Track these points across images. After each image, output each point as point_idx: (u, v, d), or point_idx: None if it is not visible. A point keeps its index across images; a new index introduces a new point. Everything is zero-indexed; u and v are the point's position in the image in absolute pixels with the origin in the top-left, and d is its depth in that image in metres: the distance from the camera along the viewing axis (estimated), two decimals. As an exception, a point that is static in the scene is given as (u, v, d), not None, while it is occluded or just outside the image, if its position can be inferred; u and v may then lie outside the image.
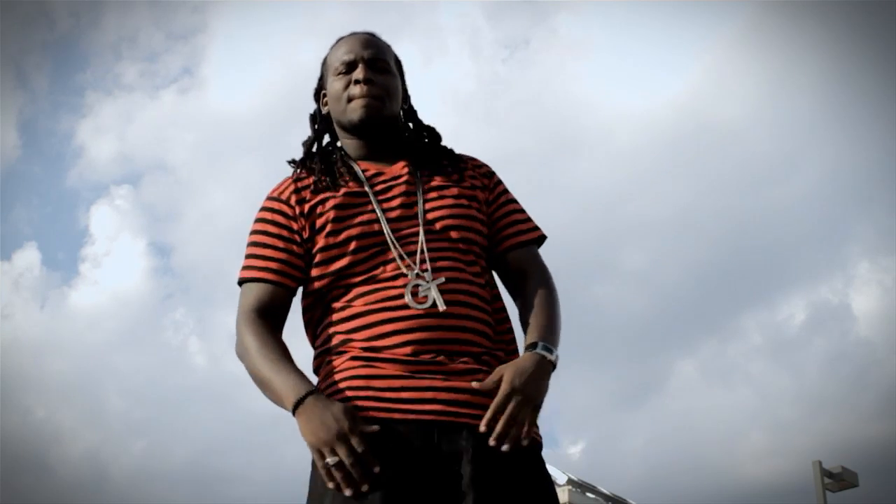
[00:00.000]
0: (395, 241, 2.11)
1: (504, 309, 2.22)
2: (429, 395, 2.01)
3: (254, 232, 2.22)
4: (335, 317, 2.12)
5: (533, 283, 2.20)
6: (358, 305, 2.09)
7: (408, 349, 2.04)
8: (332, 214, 2.15)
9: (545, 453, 2.12)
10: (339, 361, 2.08)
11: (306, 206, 2.18)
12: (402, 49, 2.34)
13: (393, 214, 2.15)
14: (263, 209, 2.23)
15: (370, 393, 2.02)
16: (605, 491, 22.17)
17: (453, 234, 2.16)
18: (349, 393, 2.03)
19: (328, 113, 2.31)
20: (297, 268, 2.17)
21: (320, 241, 2.14)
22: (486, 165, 2.34)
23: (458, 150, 2.34)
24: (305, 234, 2.17)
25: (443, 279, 2.08)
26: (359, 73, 2.23)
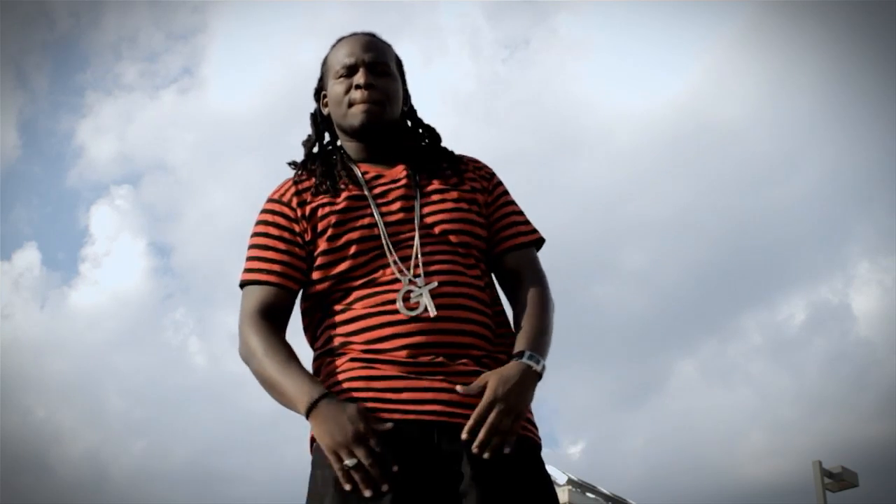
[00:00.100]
0: (390, 246, 2.11)
1: (506, 311, 2.22)
2: (429, 395, 2.01)
3: (255, 234, 2.22)
4: (335, 319, 2.12)
5: (527, 287, 2.19)
6: (357, 309, 2.10)
7: (406, 352, 2.04)
8: (332, 219, 2.15)
9: (545, 453, 2.12)
10: (339, 363, 2.08)
11: (307, 209, 2.18)
12: (402, 49, 2.35)
13: (392, 218, 2.15)
14: (264, 211, 2.23)
15: (371, 394, 2.03)
16: (605, 491, 22.19)
17: (452, 238, 2.16)
18: (351, 394, 2.03)
19: (329, 114, 2.31)
20: (300, 270, 2.17)
21: (321, 245, 2.14)
22: (487, 167, 2.33)
23: (458, 151, 2.33)
24: (308, 237, 2.17)
25: (435, 284, 2.08)
26: (360, 78, 2.22)
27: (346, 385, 2.04)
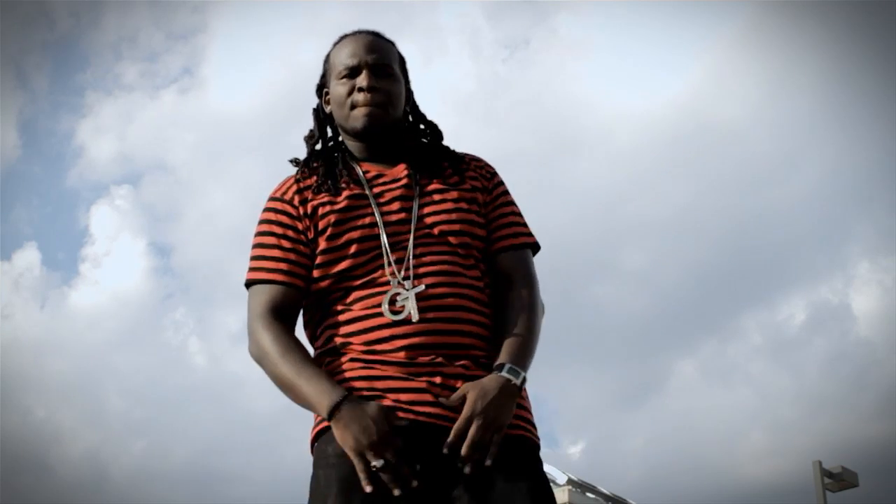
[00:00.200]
0: (387, 247, 2.11)
1: None
2: (427, 396, 2.01)
3: (259, 233, 2.21)
4: (335, 318, 2.12)
5: (515, 292, 2.17)
6: (356, 310, 2.10)
7: (404, 354, 2.04)
8: (333, 217, 2.15)
9: (544, 453, 2.12)
10: (339, 362, 2.09)
11: (309, 207, 2.18)
12: (402, 49, 2.33)
13: (392, 218, 2.15)
14: (267, 209, 2.22)
15: (373, 394, 2.03)
16: (605, 491, 22.18)
17: (452, 239, 2.15)
18: (354, 393, 2.03)
19: (331, 112, 2.30)
20: (305, 267, 2.16)
21: (322, 244, 2.14)
22: (489, 166, 2.32)
23: (458, 150, 2.32)
24: (310, 235, 2.16)
25: (422, 287, 2.07)
26: (362, 81, 2.21)
27: (348, 385, 2.04)
